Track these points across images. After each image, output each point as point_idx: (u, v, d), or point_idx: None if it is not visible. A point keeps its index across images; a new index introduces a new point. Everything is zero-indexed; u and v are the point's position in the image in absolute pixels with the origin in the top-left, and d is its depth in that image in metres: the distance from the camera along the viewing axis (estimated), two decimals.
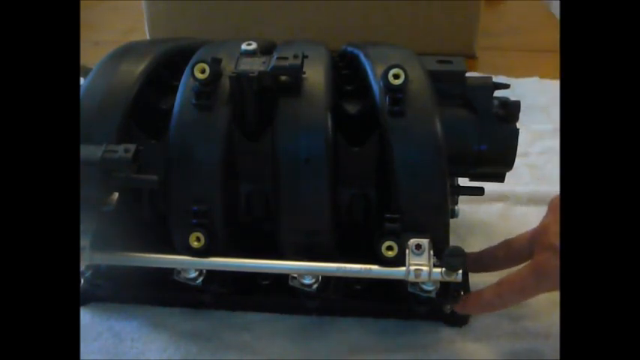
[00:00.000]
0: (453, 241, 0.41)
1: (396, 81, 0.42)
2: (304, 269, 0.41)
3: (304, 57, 0.44)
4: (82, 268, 0.42)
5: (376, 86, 0.43)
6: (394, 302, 0.47)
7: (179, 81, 0.45)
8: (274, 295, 0.48)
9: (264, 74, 0.42)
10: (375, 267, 0.41)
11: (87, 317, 0.49)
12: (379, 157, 0.44)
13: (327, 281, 0.42)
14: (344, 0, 0.88)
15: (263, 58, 0.44)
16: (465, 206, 0.58)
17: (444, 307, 0.46)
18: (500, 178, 0.50)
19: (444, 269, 0.40)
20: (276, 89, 0.43)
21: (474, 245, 0.55)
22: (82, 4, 0.85)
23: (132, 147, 0.39)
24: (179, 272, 0.43)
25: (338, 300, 0.46)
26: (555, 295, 0.43)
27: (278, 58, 0.43)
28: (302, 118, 0.42)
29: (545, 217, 0.44)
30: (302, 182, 0.41)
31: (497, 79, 0.48)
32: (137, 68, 0.46)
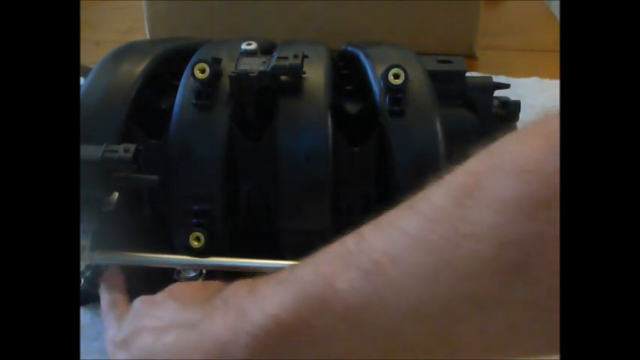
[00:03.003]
0: None
1: (396, 81, 0.42)
2: None
3: (304, 57, 0.44)
4: (82, 268, 0.42)
5: (376, 86, 0.43)
6: None
7: (179, 81, 0.45)
8: None
9: (265, 74, 0.42)
10: None
11: (87, 317, 0.49)
12: (379, 156, 0.44)
13: None
14: (344, 0, 0.88)
15: (263, 58, 0.44)
16: None
17: None
18: None
19: None
20: (277, 89, 0.43)
21: None
22: (82, 4, 0.85)
23: (132, 147, 0.39)
24: (179, 272, 0.43)
25: None
26: None
27: (278, 58, 0.43)
28: (302, 117, 0.42)
29: None
30: (302, 182, 0.41)
31: (498, 79, 0.48)
32: (137, 68, 0.46)
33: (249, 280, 0.33)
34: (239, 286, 0.34)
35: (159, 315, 0.36)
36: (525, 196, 0.24)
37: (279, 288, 0.30)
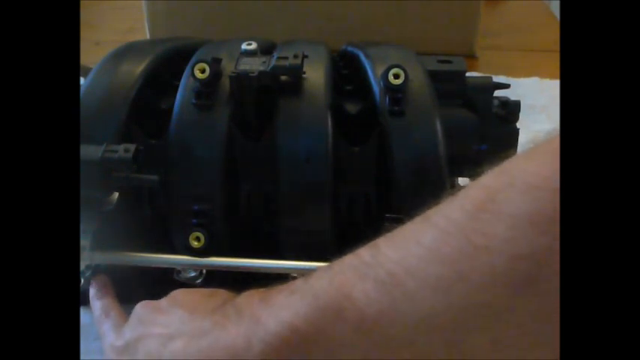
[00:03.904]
0: None
1: (396, 81, 0.42)
2: (304, 269, 0.41)
3: (304, 57, 0.44)
4: (82, 268, 0.42)
5: (376, 86, 0.43)
6: None
7: (179, 81, 0.45)
8: None
9: (265, 74, 0.42)
10: None
11: (87, 317, 0.49)
12: (379, 156, 0.44)
13: None
14: (344, 0, 0.88)
15: (263, 58, 0.44)
16: None
17: None
18: None
19: None
20: (277, 89, 0.43)
21: None
22: (82, 4, 0.85)
23: (132, 147, 0.39)
24: (179, 272, 0.43)
25: None
26: None
27: (278, 58, 0.43)
28: (302, 117, 0.42)
29: None
30: (302, 182, 0.41)
31: (498, 79, 0.48)
32: (137, 68, 0.46)
33: (261, 290, 0.33)
34: (251, 296, 0.33)
35: (164, 322, 0.35)
36: (536, 212, 0.25)
37: (294, 297, 0.30)
